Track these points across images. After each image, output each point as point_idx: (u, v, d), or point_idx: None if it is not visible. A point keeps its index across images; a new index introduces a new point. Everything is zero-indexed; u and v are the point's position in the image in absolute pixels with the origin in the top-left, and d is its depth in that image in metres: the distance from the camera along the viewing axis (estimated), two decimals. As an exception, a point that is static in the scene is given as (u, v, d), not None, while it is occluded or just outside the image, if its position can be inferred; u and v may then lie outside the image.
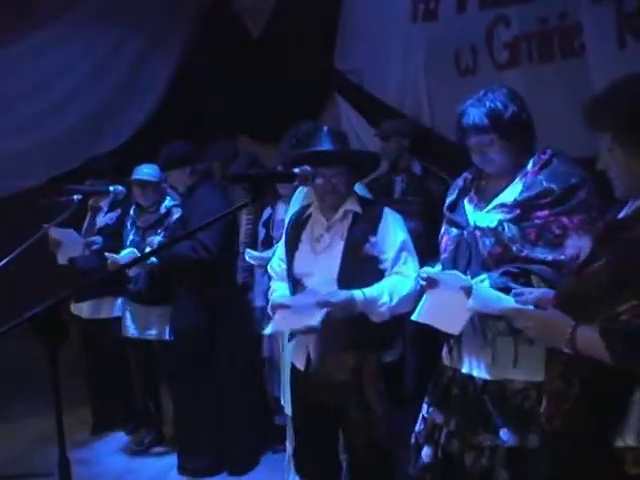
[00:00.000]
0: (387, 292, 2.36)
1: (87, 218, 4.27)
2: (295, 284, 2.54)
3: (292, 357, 2.66)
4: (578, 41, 3.41)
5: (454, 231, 2.22)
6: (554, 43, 3.53)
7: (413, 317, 2.23)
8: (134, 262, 3.51)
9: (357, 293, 2.33)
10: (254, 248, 3.83)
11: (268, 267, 2.84)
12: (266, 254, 3.42)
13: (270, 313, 2.55)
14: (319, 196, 2.51)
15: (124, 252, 3.63)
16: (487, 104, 2.10)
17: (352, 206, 2.51)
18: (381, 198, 3.55)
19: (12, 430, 4.34)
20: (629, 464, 1.53)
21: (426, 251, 2.52)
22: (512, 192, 2.12)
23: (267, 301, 3.76)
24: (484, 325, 2.11)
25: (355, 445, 2.49)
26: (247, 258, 3.58)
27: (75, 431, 3.95)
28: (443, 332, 2.18)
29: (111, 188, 3.78)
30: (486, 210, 2.17)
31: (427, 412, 2.30)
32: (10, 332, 1.63)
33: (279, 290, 2.64)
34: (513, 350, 2.07)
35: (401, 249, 2.45)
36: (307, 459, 2.71)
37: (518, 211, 2.07)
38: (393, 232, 2.46)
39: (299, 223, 2.62)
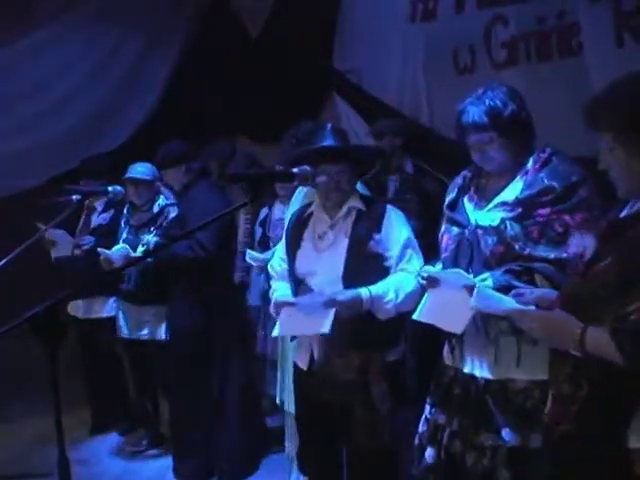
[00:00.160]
0: (393, 289, 2.36)
1: (82, 218, 4.27)
2: (298, 283, 2.53)
3: (294, 357, 2.66)
4: (576, 40, 3.41)
5: (455, 230, 2.22)
6: (552, 42, 3.53)
7: (414, 316, 2.23)
8: (131, 263, 3.51)
9: (363, 291, 2.33)
10: (253, 248, 3.84)
11: (269, 267, 2.83)
12: (267, 255, 3.43)
13: (273, 313, 2.55)
14: (323, 194, 2.51)
15: (115, 248, 3.63)
16: (487, 102, 2.10)
17: (355, 203, 2.51)
18: (376, 197, 3.55)
19: (11, 430, 4.34)
20: (639, 465, 1.53)
21: (423, 250, 2.52)
22: (513, 190, 2.12)
23: (264, 301, 3.80)
24: (486, 324, 2.11)
25: (359, 445, 2.48)
26: (248, 259, 3.59)
27: (74, 431, 3.94)
28: (444, 331, 2.18)
29: (110, 188, 3.78)
30: (487, 209, 2.17)
31: (429, 413, 2.30)
32: (9, 332, 1.63)
33: (280, 290, 2.63)
34: (516, 349, 2.07)
35: (405, 246, 2.45)
36: (311, 458, 2.71)
37: (520, 209, 2.07)
38: (397, 229, 2.47)
39: (300, 222, 2.62)
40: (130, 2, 5.36)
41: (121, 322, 3.91)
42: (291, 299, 2.47)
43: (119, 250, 3.60)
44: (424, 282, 2.23)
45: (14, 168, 4.98)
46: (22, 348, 3.27)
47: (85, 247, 4.02)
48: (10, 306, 2.40)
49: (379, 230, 2.45)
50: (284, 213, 3.43)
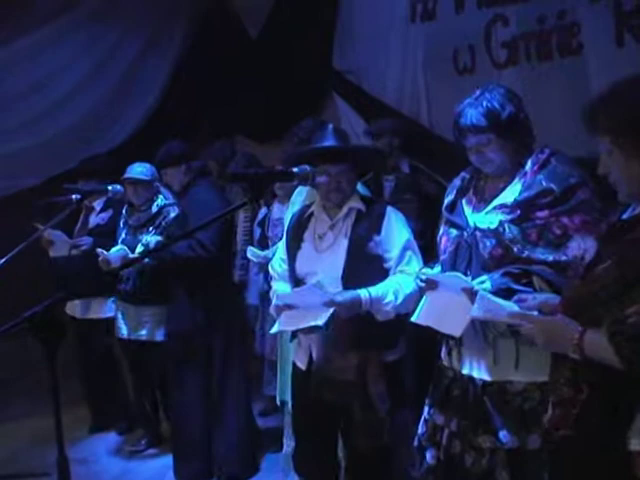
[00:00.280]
0: (392, 291, 2.36)
1: (80, 218, 4.26)
2: (298, 284, 2.53)
3: (294, 357, 2.66)
4: (576, 40, 3.42)
5: (453, 232, 2.21)
6: (552, 42, 3.54)
7: (413, 318, 2.22)
8: (130, 263, 3.51)
9: (363, 292, 2.33)
10: (253, 246, 3.84)
11: (269, 267, 2.82)
12: (268, 253, 3.42)
13: (274, 314, 2.54)
14: (323, 194, 2.51)
15: (114, 249, 3.62)
16: (484, 104, 2.09)
17: (356, 204, 2.51)
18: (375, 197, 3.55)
19: (11, 429, 4.33)
20: (639, 468, 1.52)
21: (422, 251, 2.51)
22: (512, 192, 2.11)
23: (262, 300, 3.80)
24: (485, 327, 2.10)
25: (358, 445, 2.48)
26: (249, 256, 3.58)
27: (73, 430, 3.94)
28: (443, 333, 2.18)
29: (109, 187, 3.77)
30: (486, 211, 2.16)
31: (428, 414, 2.30)
32: (8, 332, 1.63)
33: (281, 290, 2.61)
34: (515, 351, 2.06)
35: (405, 248, 2.45)
36: (307, 459, 2.70)
37: (518, 211, 2.06)
38: (397, 231, 2.47)
39: (301, 222, 2.61)
40: (130, 2, 5.36)
41: (120, 323, 3.90)
42: (290, 297, 2.45)
43: (118, 252, 3.60)
44: (422, 285, 2.22)
45: (13, 168, 4.98)
46: (21, 348, 3.28)
47: (83, 248, 4.02)
48: (9, 305, 2.40)
49: (379, 231, 2.45)
50: (283, 213, 3.44)
